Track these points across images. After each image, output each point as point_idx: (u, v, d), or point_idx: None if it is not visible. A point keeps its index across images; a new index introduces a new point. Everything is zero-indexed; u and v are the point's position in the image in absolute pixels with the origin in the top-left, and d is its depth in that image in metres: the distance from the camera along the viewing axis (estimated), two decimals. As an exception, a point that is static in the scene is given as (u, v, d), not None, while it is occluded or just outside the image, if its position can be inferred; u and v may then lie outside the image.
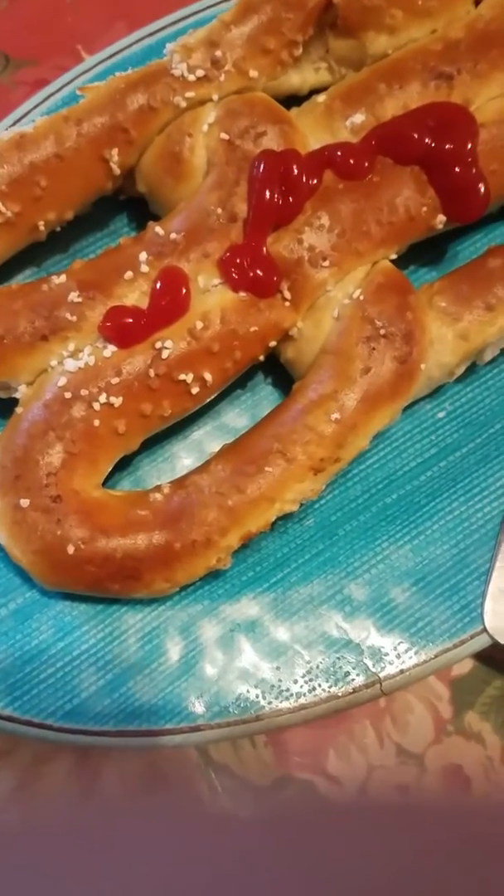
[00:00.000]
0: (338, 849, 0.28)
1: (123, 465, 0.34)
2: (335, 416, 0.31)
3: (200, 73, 0.33)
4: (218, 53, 0.33)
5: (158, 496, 0.31)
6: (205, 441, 0.35)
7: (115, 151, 0.33)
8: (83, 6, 0.44)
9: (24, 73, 0.42)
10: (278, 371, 0.36)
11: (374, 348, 0.32)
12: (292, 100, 0.36)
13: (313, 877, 0.27)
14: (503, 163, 0.34)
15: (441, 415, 0.36)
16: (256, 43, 0.33)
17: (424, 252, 0.37)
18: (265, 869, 0.27)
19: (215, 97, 0.33)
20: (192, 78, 0.33)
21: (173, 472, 0.35)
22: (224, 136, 0.33)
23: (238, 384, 0.36)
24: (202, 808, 0.34)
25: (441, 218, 0.34)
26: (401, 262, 0.35)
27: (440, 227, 0.34)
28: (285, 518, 0.33)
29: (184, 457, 0.35)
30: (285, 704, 0.31)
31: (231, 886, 0.26)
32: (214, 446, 0.34)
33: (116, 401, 0.30)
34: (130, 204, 0.37)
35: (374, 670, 0.32)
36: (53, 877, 0.27)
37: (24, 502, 0.30)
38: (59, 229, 0.35)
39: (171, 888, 0.27)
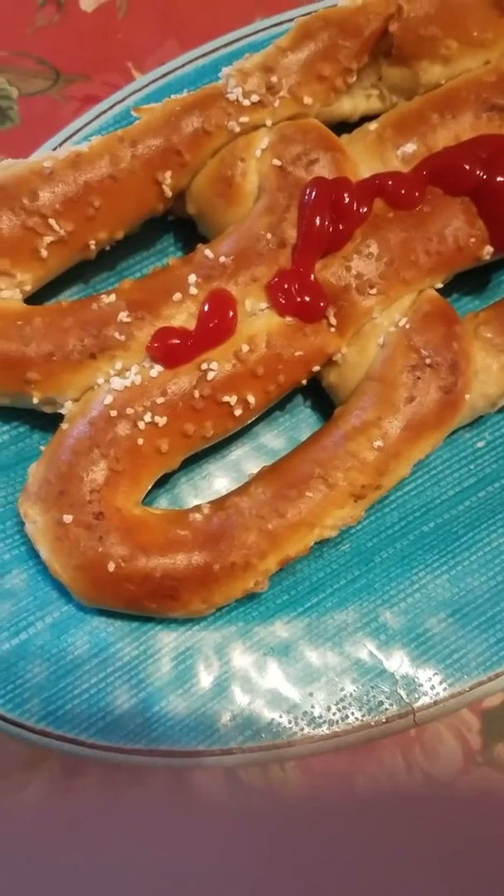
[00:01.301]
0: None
1: (161, 482, 0.34)
2: (378, 443, 0.31)
3: (255, 98, 0.33)
4: (274, 79, 0.33)
5: (199, 516, 0.31)
6: (242, 461, 0.36)
7: (168, 174, 0.33)
8: (134, 23, 0.44)
9: (75, 89, 0.43)
10: (317, 394, 0.36)
11: (419, 377, 0.32)
12: (343, 126, 0.37)
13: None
14: None
15: (481, 444, 0.36)
16: (312, 69, 0.33)
17: (469, 281, 0.37)
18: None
19: (269, 122, 0.33)
20: (246, 103, 0.33)
21: (210, 491, 0.35)
22: (276, 161, 0.33)
23: (277, 406, 0.36)
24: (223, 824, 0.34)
25: (489, 249, 0.34)
26: (445, 291, 0.36)
27: (487, 257, 0.34)
28: (321, 542, 0.33)
29: (221, 476, 0.35)
30: (318, 731, 0.31)
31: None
32: (251, 467, 0.34)
33: (161, 420, 0.30)
34: (177, 224, 0.37)
35: (407, 700, 0.32)
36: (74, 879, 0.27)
37: (68, 518, 0.30)
38: (108, 248, 0.35)
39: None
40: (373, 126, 0.35)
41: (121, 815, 0.34)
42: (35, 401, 0.32)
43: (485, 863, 0.33)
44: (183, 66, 0.39)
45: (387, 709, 0.32)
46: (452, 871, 0.33)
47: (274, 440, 0.36)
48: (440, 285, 0.34)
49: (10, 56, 0.44)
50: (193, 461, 0.35)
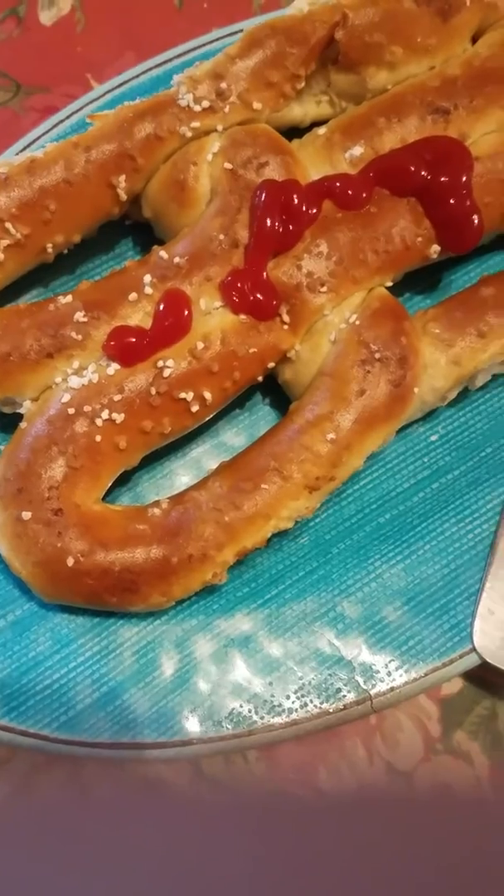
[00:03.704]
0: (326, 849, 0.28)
1: (123, 481, 0.35)
2: (331, 436, 0.32)
3: (206, 104, 0.34)
4: (223, 85, 0.34)
5: (157, 511, 0.32)
6: (203, 459, 0.36)
7: (122, 178, 0.34)
8: (93, 36, 0.46)
9: (35, 100, 0.44)
10: (275, 392, 0.37)
11: (369, 371, 0.33)
12: (294, 131, 0.38)
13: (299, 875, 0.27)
14: (497, 195, 0.35)
15: (434, 438, 0.37)
16: (260, 76, 0.35)
17: (420, 280, 0.38)
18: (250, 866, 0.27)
19: (220, 128, 0.34)
20: (197, 109, 0.34)
21: (172, 489, 0.36)
22: (228, 165, 0.34)
23: (236, 404, 0.37)
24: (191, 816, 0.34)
25: (436, 248, 0.35)
26: (396, 290, 0.37)
27: (435, 256, 0.35)
28: (280, 535, 0.34)
29: (182, 474, 0.36)
30: (277, 720, 0.32)
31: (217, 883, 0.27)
32: (212, 464, 0.35)
33: (118, 417, 0.31)
34: (135, 228, 0.38)
35: (364, 687, 0.32)
36: (45, 875, 0.27)
37: (26, 515, 0.30)
38: (66, 251, 0.36)
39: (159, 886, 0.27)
40: (322, 130, 0.36)
41: (89, 811, 0.34)
42: (-6, 400, 0.32)
43: (446, 853, 0.34)
44: (139, 75, 0.40)
45: (345, 696, 0.32)
46: (415, 862, 0.33)
47: (234, 437, 0.37)
48: (390, 283, 0.35)
49: (-29, 68, 0.45)
50: (155, 459, 0.36)
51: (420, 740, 0.35)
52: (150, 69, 0.40)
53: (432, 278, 0.39)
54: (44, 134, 0.38)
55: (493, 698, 0.35)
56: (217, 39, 0.41)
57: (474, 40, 0.39)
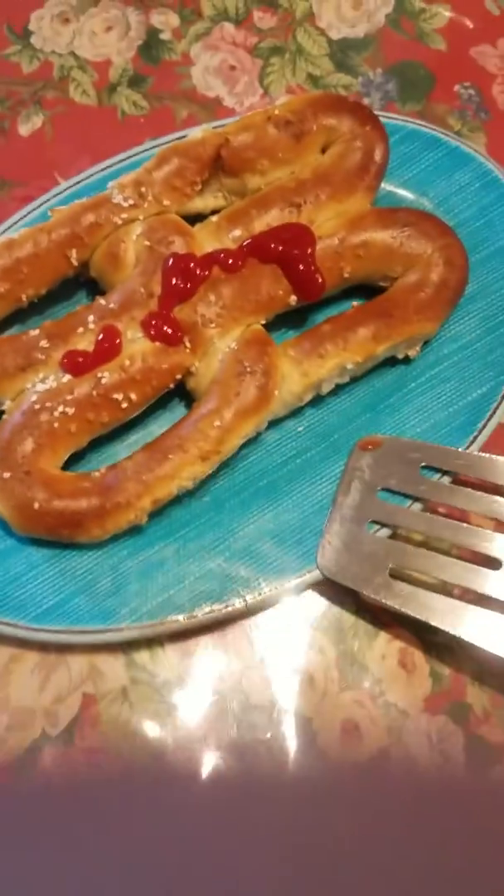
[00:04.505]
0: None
1: (78, 460, 0.49)
2: (217, 423, 0.46)
3: (131, 202, 0.49)
4: (143, 189, 0.49)
5: (97, 474, 0.46)
6: (137, 444, 0.49)
7: (74, 251, 0.49)
8: (58, 143, 0.60)
9: (15, 192, 0.58)
10: (187, 396, 0.52)
11: (242, 380, 0.47)
12: (199, 217, 0.53)
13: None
14: (334, 262, 0.50)
15: (300, 429, 0.51)
16: (168, 183, 0.50)
17: (293, 321, 0.53)
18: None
19: (141, 217, 0.50)
20: (125, 205, 0.49)
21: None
22: (146, 242, 0.49)
23: (160, 406, 0.51)
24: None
25: (293, 298, 0.50)
26: (275, 327, 0.51)
27: (294, 304, 0.50)
28: (189, 495, 0.48)
29: (122, 455, 0.50)
30: (181, 616, 0.46)
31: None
32: (143, 447, 0.50)
33: (70, 410, 0.46)
34: (87, 284, 0.53)
35: (242, 594, 0.47)
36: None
37: (6, 475, 0.45)
38: (36, 300, 0.51)
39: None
40: (214, 218, 0.51)
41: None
42: (-16, 402, 0.47)
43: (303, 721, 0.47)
44: (90, 176, 0.55)
45: (229, 600, 0.47)
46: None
47: (158, 430, 0.49)
48: (263, 322, 0.50)
49: (-33, 169, 0.60)
50: (102, 444, 0.50)
51: (287, 637, 0.49)
52: (98, 172, 0.55)
53: (302, 319, 0.54)
54: (20, 219, 0.53)
55: (335, 605, 0.49)
56: (149, 149, 0.56)
57: (325, 150, 0.56)
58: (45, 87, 0.63)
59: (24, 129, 0.61)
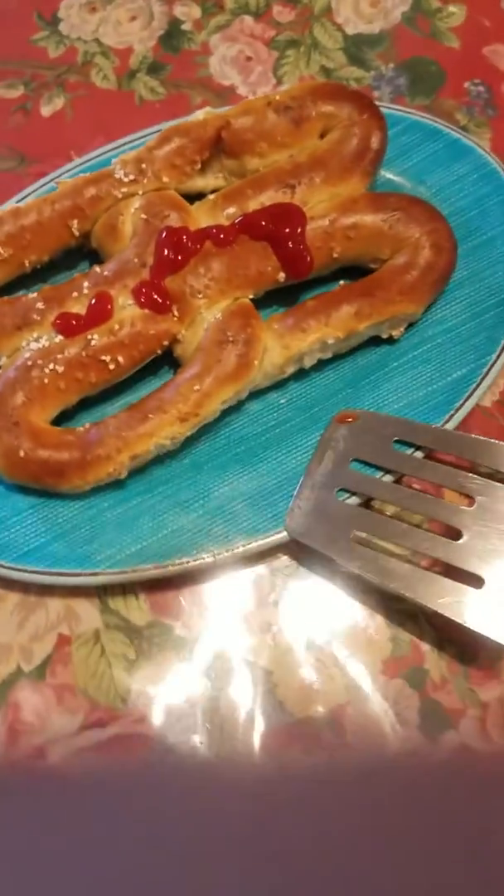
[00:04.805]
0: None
1: (69, 420, 0.53)
2: (196, 387, 0.49)
3: (132, 177, 0.52)
4: (143, 166, 0.53)
5: (81, 429, 0.49)
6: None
7: (75, 222, 0.52)
8: (77, 124, 0.64)
9: (32, 167, 0.62)
10: (176, 365, 0.54)
11: (224, 348, 0.50)
12: (201, 197, 0.55)
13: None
14: (323, 243, 0.52)
15: (283, 401, 0.53)
16: (168, 161, 0.53)
17: (284, 300, 0.55)
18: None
19: (140, 192, 0.53)
20: (126, 180, 0.52)
21: (102, 426, 0.53)
22: (143, 216, 0.52)
23: (150, 372, 0.54)
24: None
25: (282, 275, 0.52)
26: (265, 305, 0.54)
27: (282, 281, 0.52)
28: (171, 456, 0.51)
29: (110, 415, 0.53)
30: (153, 566, 0.48)
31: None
32: (130, 409, 0.52)
33: (60, 369, 0.49)
34: (89, 255, 0.56)
35: (213, 549, 0.49)
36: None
37: (-3, 425, 0.48)
38: (39, 268, 0.54)
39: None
40: (211, 196, 0.54)
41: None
42: (-18, 357, 0.51)
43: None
44: (100, 154, 0.59)
45: (200, 554, 0.49)
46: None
47: (145, 393, 0.52)
48: (251, 296, 0.53)
49: (-10, 145, 0.64)
50: (93, 405, 0.53)
51: (254, 591, 0.51)
52: (108, 151, 0.59)
53: (293, 299, 0.56)
54: (33, 192, 0.58)
55: (304, 567, 0.51)
56: (151, 133, 0.59)
57: (324, 136, 0.58)
58: (69, 71, 0.66)
59: (45, 110, 0.65)
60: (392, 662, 0.49)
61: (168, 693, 0.49)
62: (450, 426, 0.51)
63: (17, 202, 0.57)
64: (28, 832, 0.47)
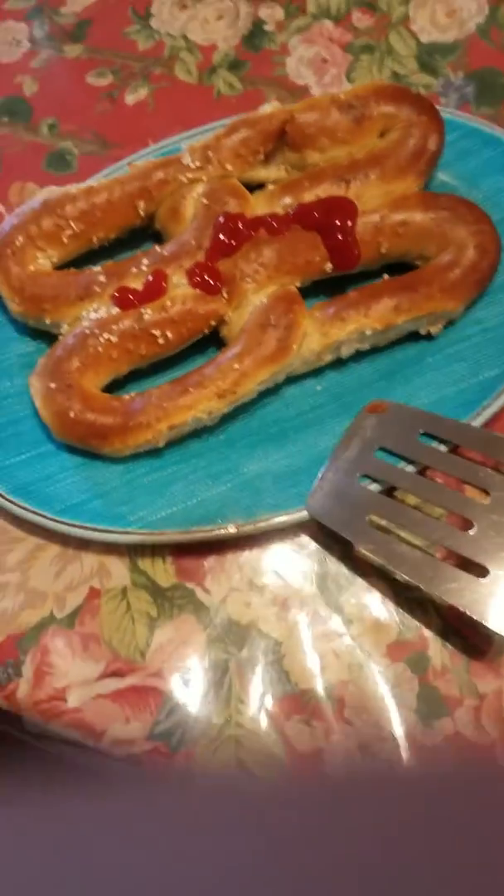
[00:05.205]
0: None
1: (118, 390, 0.57)
2: (236, 366, 0.52)
3: (198, 164, 0.56)
4: (210, 154, 0.56)
5: (127, 398, 0.53)
6: None
7: (142, 203, 0.56)
8: (157, 114, 0.68)
9: (113, 152, 0.66)
10: (222, 345, 0.57)
11: (265, 332, 0.53)
12: (261, 187, 0.59)
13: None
14: (373, 237, 0.54)
15: (319, 388, 0.56)
16: (233, 150, 0.56)
17: (329, 290, 0.57)
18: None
19: (205, 178, 0.56)
20: (192, 166, 0.56)
21: (149, 398, 0.57)
22: (204, 201, 0.55)
23: (196, 350, 0.57)
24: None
25: (329, 266, 0.55)
26: (311, 294, 0.56)
27: (329, 271, 0.55)
28: (207, 432, 0.54)
29: None
30: (179, 531, 0.52)
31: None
32: (176, 385, 0.56)
33: (113, 339, 0.52)
34: (153, 236, 0.60)
35: (238, 522, 0.52)
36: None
37: (52, 385, 0.52)
38: (106, 245, 0.58)
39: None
40: (271, 187, 0.57)
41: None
42: (48, 322, 0.55)
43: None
44: (174, 142, 0.62)
45: (226, 525, 0.52)
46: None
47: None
48: (298, 285, 0.55)
49: (77, 129, 0.68)
50: (143, 379, 0.57)
51: (272, 569, 0.54)
52: (184, 138, 0.62)
53: (339, 289, 0.58)
54: (107, 174, 0.62)
55: (322, 548, 0.54)
56: (219, 125, 0.62)
57: (383, 135, 0.60)
58: (155, 64, 0.70)
59: (130, 99, 0.69)
60: (396, 646, 0.51)
61: (183, 652, 0.52)
62: (477, 423, 0.53)
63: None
64: (41, 768, 0.51)
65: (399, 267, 0.57)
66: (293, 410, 0.56)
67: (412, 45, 0.69)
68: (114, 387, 0.56)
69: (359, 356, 0.56)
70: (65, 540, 0.55)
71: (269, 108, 0.58)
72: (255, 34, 0.71)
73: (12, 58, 0.73)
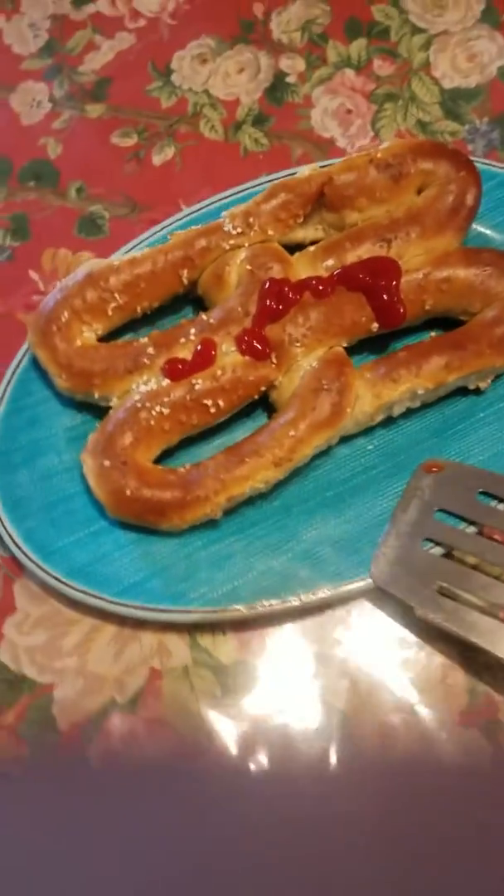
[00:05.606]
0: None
1: (169, 457, 0.56)
2: (291, 433, 0.51)
3: (239, 230, 0.55)
4: (251, 220, 0.55)
5: (182, 470, 0.52)
6: (221, 447, 0.54)
7: (185, 271, 0.55)
8: (186, 174, 0.68)
9: (144, 215, 0.66)
10: (270, 408, 0.57)
11: (319, 395, 0.52)
12: (299, 247, 0.58)
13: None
14: (417, 295, 0.54)
15: (370, 447, 0.55)
16: (273, 215, 0.56)
17: (375, 347, 0.57)
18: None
19: (246, 244, 0.56)
20: (234, 233, 0.55)
21: (198, 464, 0.56)
22: (248, 267, 0.55)
23: (245, 414, 0.56)
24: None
25: (375, 325, 0.54)
26: (357, 352, 0.56)
27: (375, 330, 0.55)
28: (262, 498, 0.53)
29: (207, 455, 0.55)
30: (243, 606, 0.51)
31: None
32: (226, 450, 0.55)
33: (165, 411, 0.52)
34: (194, 301, 0.60)
35: (299, 593, 0.51)
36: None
37: (107, 462, 0.51)
38: (149, 312, 0.58)
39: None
40: (311, 248, 0.57)
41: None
42: (96, 396, 0.54)
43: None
44: (207, 205, 0.62)
45: (288, 599, 0.51)
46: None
47: (241, 435, 0.55)
48: (345, 345, 0.55)
49: (106, 192, 0.68)
50: (191, 445, 0.56)
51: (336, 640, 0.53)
52: (214, 202, 0.62)
53: (383, 345, 0.58)
54: (145, 239, 0.61)
55: (387, 615, 0.53)
56: (262, 183, 0.61)
57: (421, 192, 0.60)
58: (179, 122, 0.70)
59: (157, 159, 0.69)
60: (468, 713, 0.50)
61: (251, 730, 0.51)
62: (536, 481, 0.52)
63: (129, 249, 0.60)
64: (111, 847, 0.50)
65: (442, 320, 0.57)
66: (346, 472, 0.55)
67: (435, 92, 0.69)
68: (163, 455, 0.55)
69: (408, 413, 0.55)
70: (121, 619, 0.54)
71: (307, 170, 0.57)
72: (276, 87, 0.71)
73: (34, 120, 0.73)
